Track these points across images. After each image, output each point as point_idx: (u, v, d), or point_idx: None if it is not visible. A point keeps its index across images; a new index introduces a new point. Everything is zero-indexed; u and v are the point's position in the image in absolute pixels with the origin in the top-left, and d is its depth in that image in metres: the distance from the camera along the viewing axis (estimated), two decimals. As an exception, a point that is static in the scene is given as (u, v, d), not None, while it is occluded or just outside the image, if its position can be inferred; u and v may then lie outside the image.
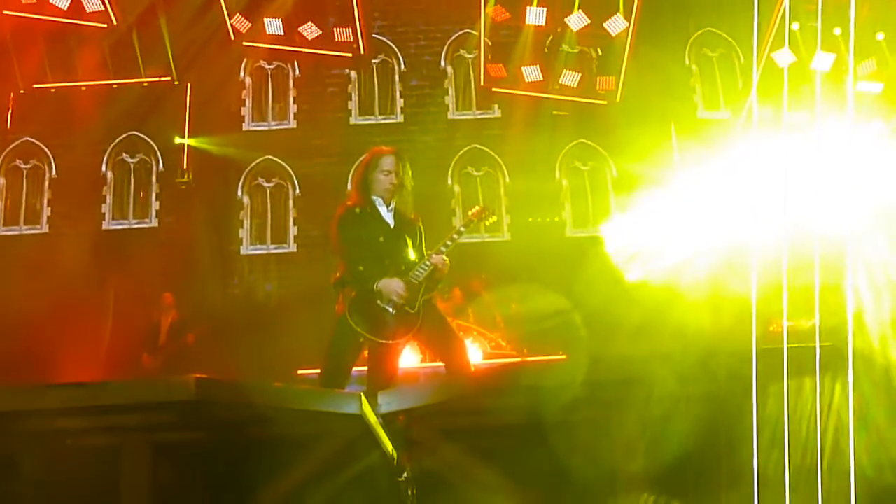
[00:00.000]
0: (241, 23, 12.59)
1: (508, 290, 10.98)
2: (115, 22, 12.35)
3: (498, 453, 4.29)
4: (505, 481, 4.16)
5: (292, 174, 14.97)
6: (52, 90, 13.81)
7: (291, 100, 15.34)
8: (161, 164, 14.95)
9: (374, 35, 14.57)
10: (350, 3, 12.51)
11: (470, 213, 6.35)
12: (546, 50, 12.98)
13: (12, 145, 14.90)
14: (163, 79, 13.64)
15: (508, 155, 14.73)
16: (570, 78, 12.84)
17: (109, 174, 15.04)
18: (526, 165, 14.31)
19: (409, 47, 15.42)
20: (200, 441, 3.95)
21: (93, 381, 3.65)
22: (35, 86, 13.66)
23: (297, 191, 14.93)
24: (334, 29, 12.78)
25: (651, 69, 13.15)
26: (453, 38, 15.32)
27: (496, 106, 15.04)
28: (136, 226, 14.82)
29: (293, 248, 14.78)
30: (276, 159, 15.01)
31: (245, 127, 15.22)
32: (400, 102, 15.25)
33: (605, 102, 13.17)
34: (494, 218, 6.38)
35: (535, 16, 12.42)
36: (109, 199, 14.94)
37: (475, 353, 9.49)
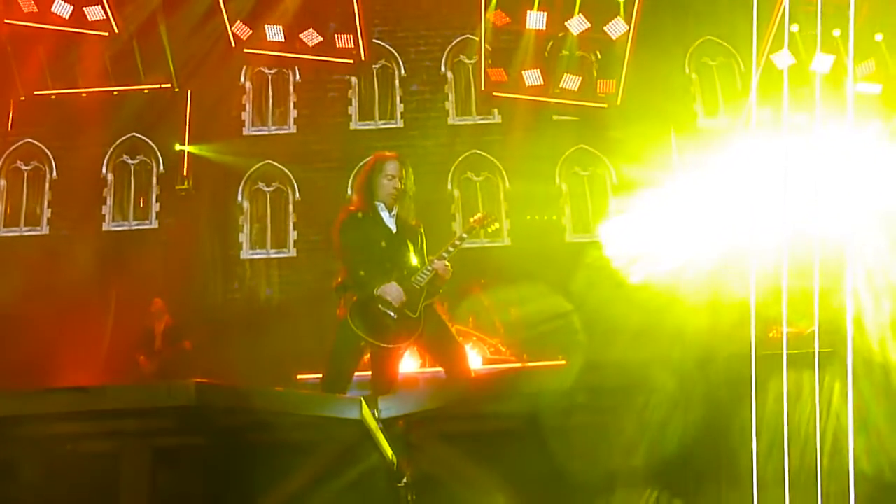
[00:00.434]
0: (241, 30, 12.61)
1: (508, 295, 10.98)
2: (116, 30, 12.40)
3: (498, 458, 4.28)
4: (505, 486, 4.15)
5: (292, 179, 14.98)
6: (53, 97, 13.83)
7: (292, 104, 15.35)
8: (162, 166, 14.96)
9: (375, 40, 14.60)
10: (351, 10, 12.53)
11: (472, 219, 6.35)
12: (547, 54, 13.01)
13: (13, 147, 14.92)
14: (163, 86, 13.67)
15: (508, 160, 14.74)
16: (570, 81, 12.86)
17: (110, 176, 15.05)
18: (526, 170, 14.31)
19: (410, 52, 15.44)
20: (200, 446, 3.94)
21: (92, 386, 3.64)
22: (35, 93, 13.68)
23: (298, 195, 14.94)
24: (335, 35, 12.81)
25: (651, 77, 13.18)
26: (454, 43, 15.33)
27: (496, 111, 15.05)
28: (137, 227, 14.83)
29: (293, 252, 14.78)
30: (277, 164, 15.03)
31: (245, 131, 15.23)
32: (400, 107, 15.26)
33: (605, 105, 13.19)
34: (497, 225, 6.41)
35: (535, 20, 12.44)
36: (110, 201, 14.95)
37: (475, 359, 9.49)
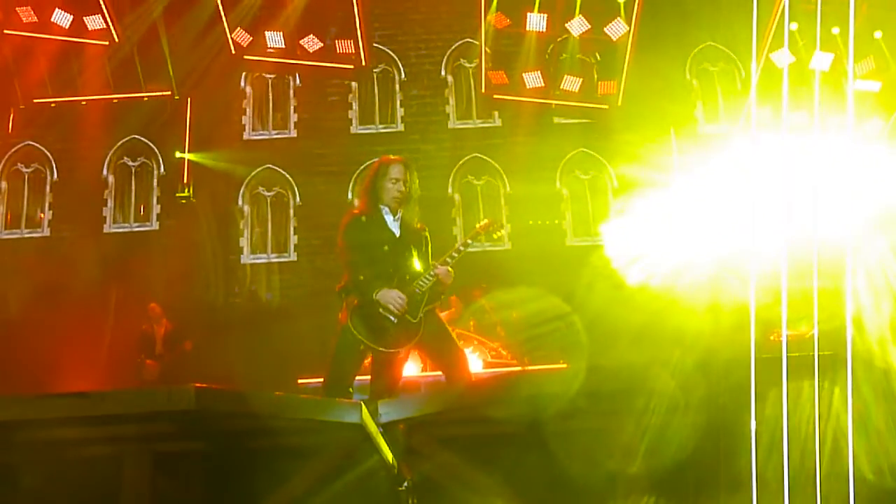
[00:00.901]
0: (242, 37, 12.61)
1: (509, 299, 10.97)
2: (116, 39, 12.42)
3: (498, 462, 4.28)
4: (505, 490, 4.15)
5: (293, 183, 14.99)
6: (52, 105, 13.86)
7: (292, 109, 15.36)
8: (162, 168, 14.99)
9: (375, 44, 14.61)
10: (352, 15, 12.53)
11: (478, 225, 6.31)
12: (547, 56, 13.02)
13: (14, 149, 14.95)
14: (163, 93, 13.68)
15: (509, 164, 14.75)
16: (571, 83, 12.86)
17: (111, 178, 15.07)
18: (527, 174, 14.32)
19: (410, 57, 15.45)
20: (201, 451, 3.94)
21: (92, 391, 3.64)
22: (35, 101, 13.70)
23: (298, 200, 14.94)
24: (336, 41, 12.81)
25: (652, 83, 13.18)
26: (454, 47, 15.34)
27: (497, 115, 15.06)
28: (138, 229, 14.85)
29: (294, 256, 14.78)
30: (277, 168, 15.03)
31: (246, 136, 15.25)
32: (400, 111, 15.27)
33: (606, 107, 13.19)
34: (503, 232, 6.36)
35: (535, 22, 12.45)
36: (111, 203, 14.97)
37: (476, 363, 9.49)
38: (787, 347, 3.38)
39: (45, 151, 15.02)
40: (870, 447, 3.77)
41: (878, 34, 12.34)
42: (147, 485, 3.69)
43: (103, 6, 12.19)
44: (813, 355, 3.46)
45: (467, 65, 15.35)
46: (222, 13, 12.40)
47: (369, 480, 4.10)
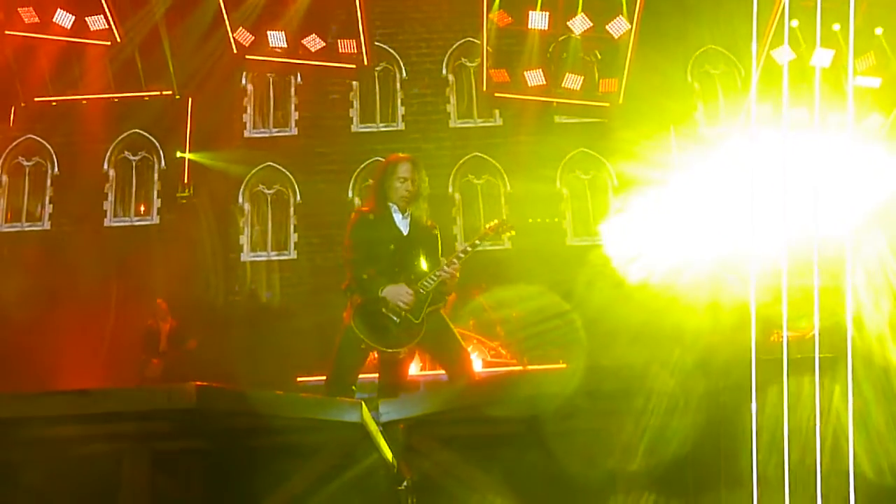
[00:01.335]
0: (244, 36, 12.59)
1: (509, 299, 10.97)
2: (118, 40, 12.41)
3: (498, 461, 4.29)
4: (505, 489, 4.15)
5: (293, 181, 14.99)
6: (53, 104, 13.86)
7: (293, 107, 15.37)
8: (163, 163, 15.00)
9: (376, 43, 14.61)
10: (354, 15, 12.52)
11: (488, 226, 6.27)
12: (549, 54, 13.01)
13: (15, 143, 14.96)
14: (164, 93, 13.68)
15: (510, 163, 14.75)
16: (572, 81, 12.86)
17: (111, 172, 15.09)
18: (527, 174, 14.32)
19: (411, 55, 15.45)
20: (201, 449, 3.95)
21: (92, 389, 3.64)
22: (36, 99, 13.70)
23: (298, 198, 14.94)
24: (338, 40, 12.80)
25: (653, 86, 13.17)
26: (455, 46, 15.35)
27: (497, 114, 15.06)
28: (138, 223, 14.86)
29: (294, 254, 14.78)
30: (278, 166, 15.04)
31: (246, 134, 15.25)
32: (401, 110, 15.27)
33: (607, 105, 13.19)
34: (513, 232, 6.27)
35: (537, 20, 12.44)
36: (111, 197, 14.99)
37: (475, 362, 9.48)
38: (787, 348, 3.38)
39: (46, 145, 15.05)
40: (870, 445, 3.77)
41: (878, 30, 12.34)
42: (147, 483, 3.69)
43: (105, 7, 12.18)
44: (813, 356, 3.46)
45: (468, 64, 15.35)
46: (224, 13, 12.39)
47: (369, 479, 4.10)
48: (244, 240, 14.88)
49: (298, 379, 9.81)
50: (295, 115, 15.33)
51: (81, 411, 3.53)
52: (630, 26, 12.26)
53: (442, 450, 4.31)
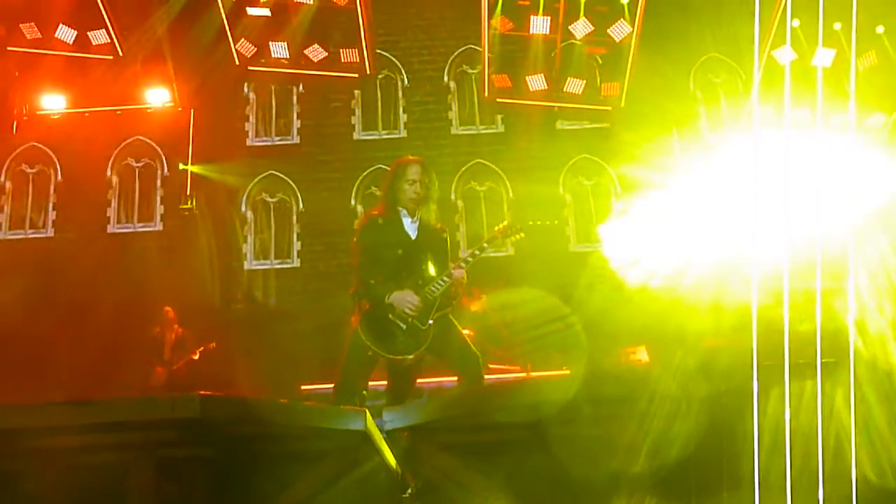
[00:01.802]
0: (246, 48, 12.61)
1: (512, 305, 10.97)
2: (121, 54, 12.42)
3: (501, 468, 4.29)
4: (508, 496, 4.16)
5: (296, 189, 15.01)
6: (55, 116, 13.89)
7: (295, 115, 15.39)
8: (166, 169, 15.02)
9: (378, 51, 14.64)
10: (356, 24, 12.54)
11: (497, 228, 6.27)
12: (552, 56, 13.02)
13: (18, 150, 15.00)
14: (166, 105, 13.71)
15: (512, 170, 14.76)
16: (574, 85, 12.87)
17: (115, 178, 15.12)
18: (529, 180, 14.32)
19: (413, 63, 15.48)
20: (206, 458, 3.95)
21: (97, 398, 3.65)
22: (38, 112, 13.73)
23: (301, 206, 14.96)
24: (340, 50, 12.81)
25: (656, 95, 13.17)
26: (457, 53, 15.38)
27: (500, 121, 15.08)
28: (141, 230, 14.90)
29: (297, 263, 14.79)
30: (280, 175, 15.06)
31: (249, 142, 15.28)
32: (403, 118, 15.30)
33: (609, 108, 13.19)
34: (522, 235, 6.28)
35: (538, 25, 12.46)
36: (115, 203, 15.02)
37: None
38: (789, 352, 3.39)
39: (49, 152, 15.08)
40: (872, 448, 3.77)
41: (880, 29, 12.35)
42: (152, 492, 3.70)
43: (107, 21, 12.20)
44: (815, 359, 3.46)
45: (470, 71, 15.38)
46: (226, 24, 12.40)
47: (373, 487, 4.10)
48: (247, 248, 14.89)
49: (302, 387, 9.82)
50: (297, 124, 15.35)
51: (86, 421, 3.54)
52: (632, 29, 12.28)
53: (445, 456, 4.32)
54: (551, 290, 11.70)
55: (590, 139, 14.63)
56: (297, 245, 14.88)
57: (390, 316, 5.61)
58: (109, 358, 12.09)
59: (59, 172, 15.04)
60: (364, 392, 5.73)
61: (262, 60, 12.85)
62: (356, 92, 15.29)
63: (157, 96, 13.59)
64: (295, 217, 15.00)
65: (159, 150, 15.09)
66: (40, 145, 15.03)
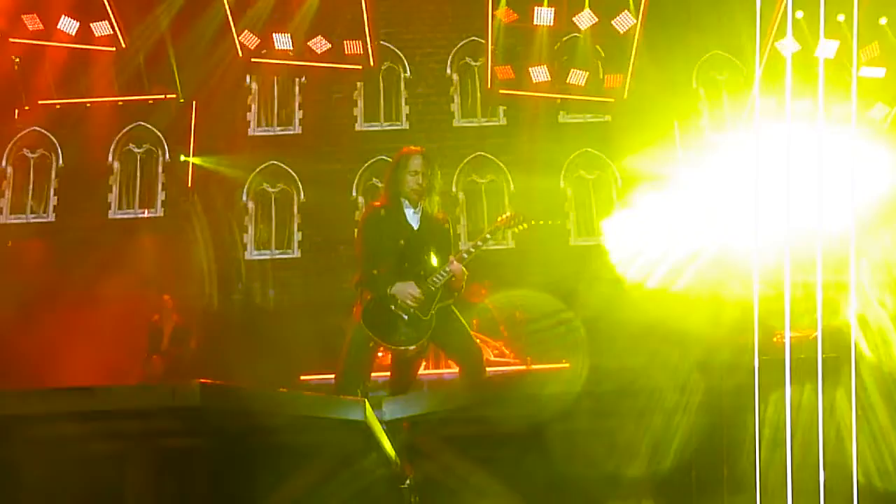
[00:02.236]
0: (249, 39, 12.58)
1: (512, 298, 10.97)
2: (123, 45, 12.40)
3: (500, 461, 4.29)
4: (507, 489, 4.16)
5: (297, 180, 14.99)
6: (57, 106, 13.88)
7: (297, 106, 15.37)
8: (168, 155, 15.02)
9: (381, 42, 14.62)
10: (360, 16, 12.51)
11: (499, 218, 6.24)
12: (557, 47, 13.00)
13: (20, 135, 15.00)
14: (168, 96, 13.70)
15: (513, 163, 14.75)
16: (577, 77, 12.85)
17: (116, 164, 15.12)
18: (530, 173, 14.31)
19: (415, 55, 15.46)
20: (205, 447, 3.95)
21: (97, 386, 3.64)
22: (40, 102, 13.72)
23: (302, 196, 14.95)
24: (344, 42, 12.79)
25: (658, 92, 13.15)
26: (459, 45, 15.36)
27: (501, 114, 15.06)
28: (142, 216, 14.90)
29: (297, 253, 14.80)
30: (282, 165, 15.04)
31: (251, 132, 15.26)
32: (405, 109, 15.28)
33: (612, 100, 13.17)
34: (525, 225, 6.19)
35: (542, 16, 12.44)
36: (116, 189, 15.03)
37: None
38: (790, 349, 3.38)
39: (51, 137, 15.08)
40: (874, 446, 3.77)
41: (883, 20, 12.35)
42: (151, 481, 3.69)
43: (110, 12, 12.18)
44: (816, 357, 3.45)
45: (473, 63, 15.35)
46: (229, 16, 12.37)
47: (372, 478, 4.10)
48: (248, 238, 14.89)
49: (302, 377, 9.82)
50: (299, 114, 15.33)
51: (85, 409, 3.53)
52: (636, 21, 12.26)
53: (445, 449, 4.32)
54: (551, 283, 11.70)
55: (592, 133, 14.62)
56: (297, 236, 14.88)
57: (392, 307, 5.60)
58: (108, 344, 12.09)
59: (61, 157, 15.04)
60: (367, 383, 5.72)
61: (264, 52, 12.83)
62: (358, 83, 15.27)
63: (159, 88, 13.56)
64: (296, 207, 14.99)
65: (161, 136, 15.08)
66: (42, 130, 15.03)
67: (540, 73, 12.87)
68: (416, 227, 5.83)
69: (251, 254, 14.80)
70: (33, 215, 14.94)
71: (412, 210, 5.85)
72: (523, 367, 9.75)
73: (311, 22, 12.68)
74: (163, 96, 13.86)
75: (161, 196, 15.01)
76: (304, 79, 15.27)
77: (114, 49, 12.65)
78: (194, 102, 14.26)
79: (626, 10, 12.21)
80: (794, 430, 3.11)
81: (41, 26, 12.35)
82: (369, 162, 14.78)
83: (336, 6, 12.84)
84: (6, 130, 14.84)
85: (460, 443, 4.31)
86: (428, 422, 4.28)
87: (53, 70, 13.43)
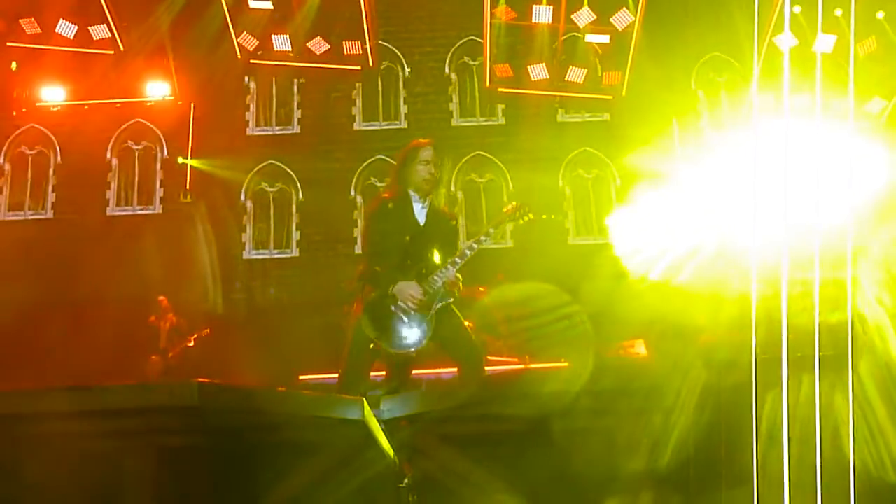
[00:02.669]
0: (248, 41, 12.57)
1: (511, 297, 10.97)
2: (122, 48, 12.38)
3: (499, 460, 4.29)
4: (507, 488, 4.16)
5: (296, 179, 15.00)
6: (54, 108, 13.87)
7: (296, 105, 15.37)
8: (166, 151, 15.03)
9: (379, 41, 14.62)
10: (359, 16, 12.50)
11: (504, 209, 6.18)
12: (555, 46, 13.00)
13: (18, 131, 15.00)
14: (166, 98, 13.70)
15: (512, 162, 14.75)
16: (575, 74, 12.86)
17: (114, 161, 15.13)
18: (529, 172, 14.32)
19: (414, 54, 15.47)
20: (203, 446, 3.95)
21: (95, 385, 3.64)
22: (38, 104, 13.72)
23: (301, 196, 14.95)
24: (343, 42, 12.78)
25: (657, 93, 13.16)
26: (458, 45, 15.37)
27: (500, 113, 15.07)
28: (140, 212, 14.91)
29: (296, 252, 14.80)
30: (280, 164, 15.05)
31: (249, 132, 15.27)
32: (404, 109, 15.29)
33: (610, 97, 13.17)
34: (530, 216, 6.07)
35: (540, 14, 12.44)
36: (114, 186, 15.04)
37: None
38: (788, 346, 3.38)
39: (49, 134, 15.08)
40: (873, 441, 3.77)
41: (880, 14, 12.36)
42: (150, 479, 3.69)
43: (108, 15, 12.16)
44: (814, 353, 3.45)
45: (471, 62, 15.36)
46: (228, 18, 12.35)
47: (370, 476, 4.10)
48: (246, 238, 14.89)
49: (300, 376, 9.82)
50: (298, 113, 15.34)
51: (84, 407, 3.53)
52: (634, 18, 12.26)
53: (443, 447, 4.32)
54: (550, 281, 11.70)
55: (590, 132, 14.64)
56: (296, 235, 14.88)
57: (392, 307, 5.57)
58: (107, 341, 12.09)
59: (59, 154, 15.05)
60: (368, 382, 5.70)
61: (261, 53, 12.82)
62: (357, 83, 15.27)
63: (158, 89, 13.57)
64: (294, 207, 15.00)
65: (159, 132, 15.09)
66: (40, 127, 15.06)
67: (538, 71, 12.87)
68: (422, 222, 5.78)
69: (249, 253, 14.80)
70: (31, 212, 14.95)
71: (420, 204, 5.80)
72: (522, 366, 9.75)
73: (309, 23, 12.67)
74: (161, 98, 13.85)
75: (159, 193, 15.02)
76: (302, 78, 15.27)
77: (112, 52, 12.63)
78: (192, 105, 14.26)
79: (624, 8, 12.21)
80: (792, 422, 3.11)
81: (39, 30, 12.33)
82: (368, 161, 14.78)
83: (335, 7, 12.84)
84: (4, 128, 14.85)
85: (459, 441, 4.31)
86: (426, 420, 4.28)
87: (51, 72, 13.42)
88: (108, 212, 14.94)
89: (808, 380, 3.39)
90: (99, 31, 12.37)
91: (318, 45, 12.78)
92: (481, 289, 10.43)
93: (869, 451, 3.72)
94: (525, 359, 9.98)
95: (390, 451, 4.12)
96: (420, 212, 5.79)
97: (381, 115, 15.33)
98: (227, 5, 12.23)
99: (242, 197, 14.97)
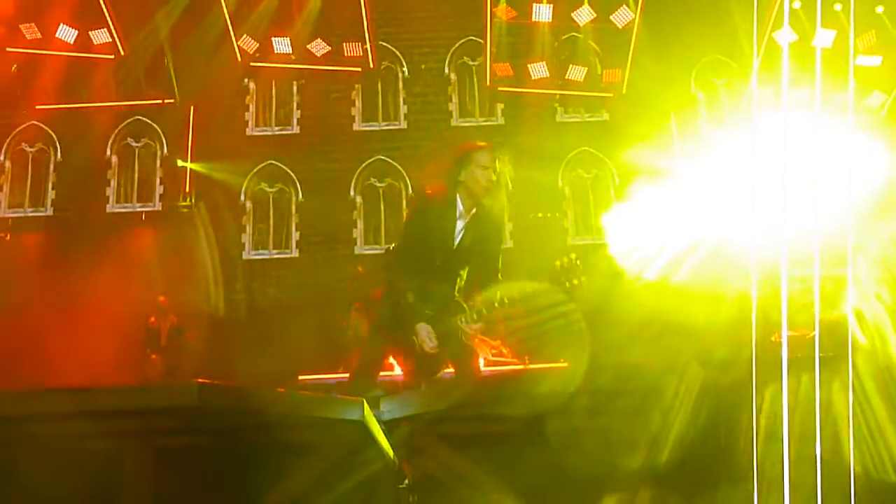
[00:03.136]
0: (248, 43, 12.57)
1: (510, 297, 10.93)
2: (122, 53, 12.40)
3: (499, 460, 4.29)
4: (506, 488, 4.16)
5: (295, 180, 14.99)
6: (55, 109, 13.89)
7: (295, 105, 15.37)
8: (165, 149, 15.04)
9: (379, 42, 14.63)
10: (359, 18, 12.51)
11: (557, 263, 5.79)
12: (556, 44, 13.01)
13: (18, 129, 15.01)
14: (166, 100, 13.72)
15: (511, 161, 14.73)
16: (575, 72, 12.86)
17: (114, 158, 15.14)
18: (529, 172, 14.29)
19: (414, 54, 15.47)
20: (203, 447, 3.95)
21: (94, 386, 3.64)
22: (38, 107, 13.74)
23: (300, 196, 14.95)
24: (343, 43, 12.78)
25: (656, 91, 13.15)
26: (457, 45, 15.36)
27: (499, 113, 15.06)
28: (140, 209, 14.91)
29: (295, 253, 14.80)
30: (280, 164, 15.04)
31: (249, 132, 15.27)
32: (403, 109, 15.29)
33: (610, 95, 13.17)
34: (584, 278, 5.76)
35: (540, 13, 12.44)
36: (114, 183, 15.05)
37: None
38: (787, 346, 3.38)
39: (49, 131, 15.08)
40: (871, 440, 3.77)
41: (879, 9, 12.37)
42: (149, 480, 3.69)
43: (109, 20, 12.16)
44: (814, 353, 3.45)
45: (471, 62, 15.35)
46: (228, 21, 12.35)
47: (370, 477, 4.10)
48: (246, 238, 14.89)
49: (300, 377, 9.81)
50: (297, 114, 15.34)
51: (83, 408, 3.53)
52: (634, 16, 12.27)
53: (443, 447, 4.32)
54: (549, 283, 11.67)
55: (590, 132, 14.63)
56: (295, 235, 14.88)
57: (414, 338, 5.41)
58: (106, 340, 12.08)
59: (59, 151, 15.05)
60: (376, 382, 5.71)
61: (257, 55, 12.82)
62: (356, 83, 15.26)
63: (157, 92, 13.59)
64: (294, 207, 14.99)
65: (159, 130, 15.09)
66: (40, 124, 15.06)
67: (539, 70, 12.87)
68: (456, 241, 5.49)
69: (249, 253, 14.80)
70: (31, 209, 14.96)
71: (463, 220, 5.48)
72: (521, 366, 9.75)
73: (310, 25, 12.68)
74: (160, 101, 13.87)
75: (159, 190, 15.03)
76: (302, 79, 15.26)
77: (112, 56, 12.63)
78: (192, 107, 14.27)
79: (624, 6, 12.23)
80: (791, 423, 3.12)
81: (39, 35, 12.33)
82: (367, 162, 14.78)
83: (335, 8, 12.84)
84: (5, 125, 14.85)
85: (458, 441, 4.31)
86: (426, 420, 4.28)
87: (52, 74, 13.44)
88: (108, 209, 14.94)
89: (807, 380, 3.39)
90: (99, 36, 12.38)
91: (319, 47, 12.78)
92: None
93: (868, 448, 3.72)
94: (524, 359, 9.97)
95: (390, 452, 4.12)
96: (459, 231, 5.50)
97: (380, 116, 15.33)
98: (227, 9, 12.25)
99: (242, 197, 14.97)
